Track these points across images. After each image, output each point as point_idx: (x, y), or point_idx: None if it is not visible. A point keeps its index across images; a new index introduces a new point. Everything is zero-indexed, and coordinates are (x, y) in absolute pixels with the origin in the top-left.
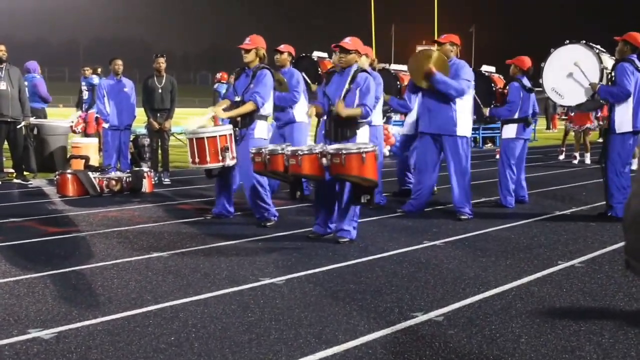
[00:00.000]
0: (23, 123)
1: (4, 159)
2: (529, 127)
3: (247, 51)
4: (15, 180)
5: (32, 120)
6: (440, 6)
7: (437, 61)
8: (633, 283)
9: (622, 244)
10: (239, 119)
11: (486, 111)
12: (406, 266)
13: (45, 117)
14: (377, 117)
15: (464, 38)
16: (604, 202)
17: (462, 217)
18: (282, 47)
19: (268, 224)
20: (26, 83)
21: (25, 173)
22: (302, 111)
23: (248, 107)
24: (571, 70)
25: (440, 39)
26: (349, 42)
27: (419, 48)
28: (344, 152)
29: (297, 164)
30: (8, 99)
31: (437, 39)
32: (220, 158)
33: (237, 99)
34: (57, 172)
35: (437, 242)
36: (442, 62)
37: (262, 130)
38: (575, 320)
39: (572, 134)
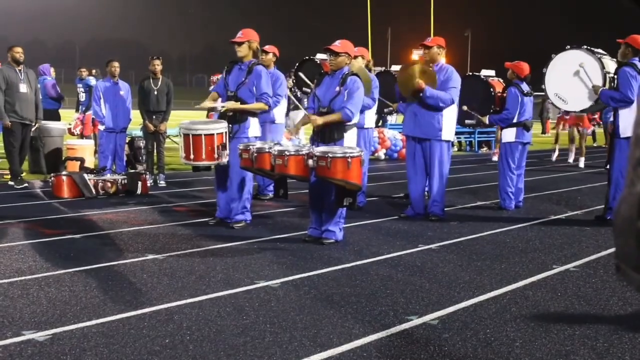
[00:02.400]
0: (37, 125)
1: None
2: (529, 131)
3: (240, 44)
4: (10, 183)
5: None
6: (436, 10)
7: (422, 74)
8: (627, 287)
9: None
10: (229, 113)
11: (485, 119)
12: (401, 270)
13: (59, 118)
14: (369, 120)
15: (459, 42)
16: (600, 206)
17: (433, 217)
18: (267, 48)
19: (236, 225)
20: (39, 86)
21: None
22: (282, 112)
23: (260, 106)
24: (574, 75)
25: (427, 42)
26: (338, 44)
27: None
28: (330, 155)
29: (284, 164)
30: (28, 102)
31: (424, 42)
32: (216, 156)
33: (230, 93)
34: (52, 174)
35: (432, 246)
36: (427, 73)
37: (255, 128)
38: (569, 324)
39: (566, 135)
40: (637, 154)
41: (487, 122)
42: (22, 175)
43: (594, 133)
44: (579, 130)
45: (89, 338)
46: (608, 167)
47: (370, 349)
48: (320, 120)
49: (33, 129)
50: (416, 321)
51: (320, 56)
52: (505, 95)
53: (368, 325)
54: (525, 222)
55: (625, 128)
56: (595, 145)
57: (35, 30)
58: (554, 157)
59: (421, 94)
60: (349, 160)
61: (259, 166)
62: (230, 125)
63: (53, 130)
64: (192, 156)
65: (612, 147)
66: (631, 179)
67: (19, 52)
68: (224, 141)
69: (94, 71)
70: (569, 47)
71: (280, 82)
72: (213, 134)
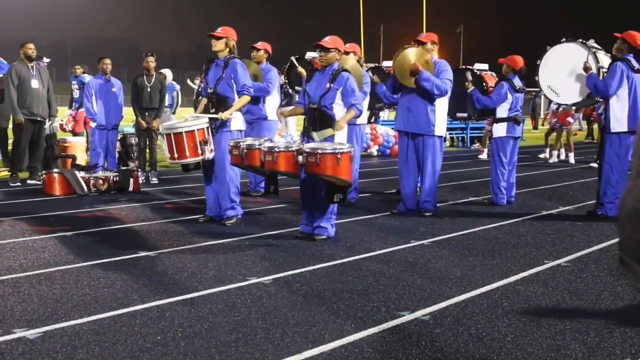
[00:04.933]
0: (49, 123)
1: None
2: (519, 125)
3: (218, 39)
4: (29, 181)
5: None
6: (428, 6)
7: (420, 58)
8: (618, 282)
9: (607, 243)
10: (212, 110)
11: (469, 86)
12: (393, 266)
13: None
14: (361, 116)
15: (451, 39)
16: (592, 201)
17: (427, 213)
18: (259, 45)
19: (228, 222)
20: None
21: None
22: (274, 109)
23: (244, 100)
24: (567, 66)
25: (421, 37)
26: (328, 40)
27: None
28: (319, 151)
29: (273, 160)
30: (39, 98)
31: (418, 38)
32: (200, 152)
33: (210, 90)
34: (43, 171)
35: (424, 242)
36: (426, 58)
37: (238, 122)
38: (561, 319)
39: (554, 133)
40: None
41: (468, 90)
42: (19, 173)
43: (592, 131)
44: (564, 128)
45: (81, 336)
46: (597, 162)
47: (362, 345)
48: (343, 123)
49: (46, 126)
50: (408, 317)
51: (310, 54)
52: None
53: (360, 321)
54: (517, 218)
55: (616, 123)
56: (587, 141)
57: (26, 29)
58: (543, 155)
59: (417, 76)
60: (339, 156)
61: (249, 163)
62: (212, 121)
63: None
64: (176, 155)
65: (603, 142)
66: (637, 171)
67: (31, 49)
68: (206, 137)
69: (84, 67)
70: (564, 39)
71: (271, 73)
72: (194, 130)
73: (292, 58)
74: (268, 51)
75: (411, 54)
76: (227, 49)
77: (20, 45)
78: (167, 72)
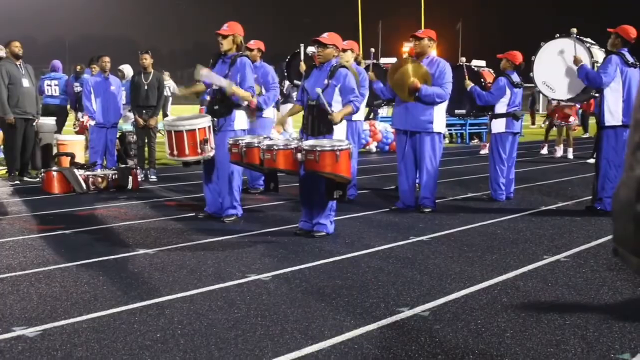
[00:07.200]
0: (38, 120)
1: None
2: (518, 120)
3: (224, 37)
4: (26, 179)
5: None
6: (427, 3)
7: (416, 72)
8: (617, 277)
9: (606, 238)
10: (216, 107)
11: (468, 84)
12: (392, 262)
13: (67, 114)
14: (358, 113)
15: (450, 35)
16: (590, 196)
17: (426, 209)
18: (251, 44)
19: (227, 220)
20: (56, 82)
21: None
22: (270, 106)
23: (246, 95)
24: (561, 62)
25: (418, 33)
26: (326, 36)
27: (404, 57)
28: (318, 149)
29: (272, 158)
30: (30, 97)
31: (415, 34)
32: (199, 151)
33: (215, 87)
34: (42, 170)
35: (423, 238)
36: (421, 71)
37: (241, 121)
38: (560, 314)
39: (555, 128)
40: (636, 139)
41: (468, 87)
42: (17, 171)
43: (584, 124)
44: (564, 124)
45: (80, 333)
46: (593, 157)
47: (362, 341)
48: (339, 116)
49: (35, 123)
50: (407, 313)
51: (311, 49)
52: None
53: (359, 317)
54: (516, 213)
55: (610, 117)
56: (585, 136)
57: (24, 27)
58: (543, 151)
59: (417, 94)
60: (338, 153)
61: (248, 161)
62: (215, 120)
63: (44, 126)
64: (175, 152)
65: (599, 137)
66: (630, 163)
67: (17, 47)
68: (207, 136)
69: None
70: (558, 35)
71: (272, 76)
72: (195, 129)
73: (302, 45)
74: (261, 49)
75: (408, 71)
76: (235, 46)
77: (5, 43)
78: (127, 68)
